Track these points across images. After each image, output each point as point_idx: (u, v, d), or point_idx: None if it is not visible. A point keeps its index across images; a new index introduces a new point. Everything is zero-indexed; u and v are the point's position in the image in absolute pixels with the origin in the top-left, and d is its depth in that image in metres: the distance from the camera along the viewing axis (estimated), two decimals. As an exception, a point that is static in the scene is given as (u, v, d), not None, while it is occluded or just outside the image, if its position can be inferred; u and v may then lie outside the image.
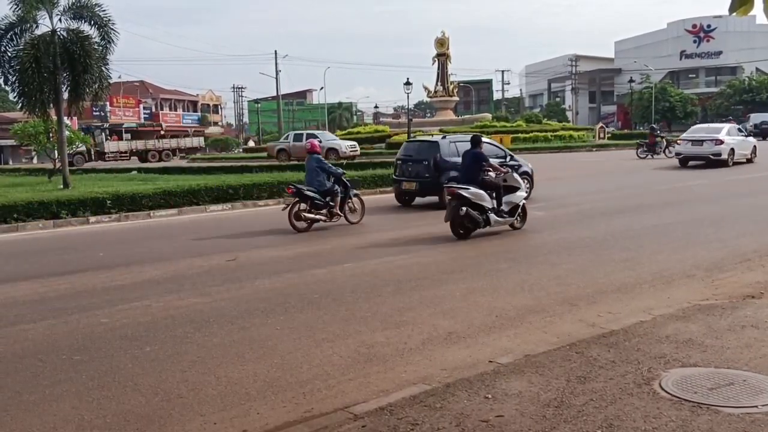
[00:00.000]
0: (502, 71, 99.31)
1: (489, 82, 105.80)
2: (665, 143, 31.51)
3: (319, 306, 6.82)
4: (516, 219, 11.29)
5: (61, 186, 20.41)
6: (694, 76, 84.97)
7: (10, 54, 19.38)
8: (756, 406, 3.89)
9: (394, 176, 16.74)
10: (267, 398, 4.50)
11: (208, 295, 7.50)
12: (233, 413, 4.28)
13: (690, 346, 5.00)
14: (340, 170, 13.15)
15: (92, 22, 19.79)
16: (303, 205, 12.27)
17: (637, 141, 34.46)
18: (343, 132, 59.29)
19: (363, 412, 4.05)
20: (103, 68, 20.41)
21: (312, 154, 13.01)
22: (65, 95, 20.37)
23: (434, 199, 15.10)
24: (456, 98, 57.00)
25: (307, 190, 12.34)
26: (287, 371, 4.99)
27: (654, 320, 5.72)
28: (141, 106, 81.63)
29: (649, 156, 30.36)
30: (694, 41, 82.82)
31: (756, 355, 4.76)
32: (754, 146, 26.62)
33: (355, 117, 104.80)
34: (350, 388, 4.61)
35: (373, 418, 3.95)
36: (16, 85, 19.55)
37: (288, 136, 39.85)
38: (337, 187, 12.68)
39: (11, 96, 20.97)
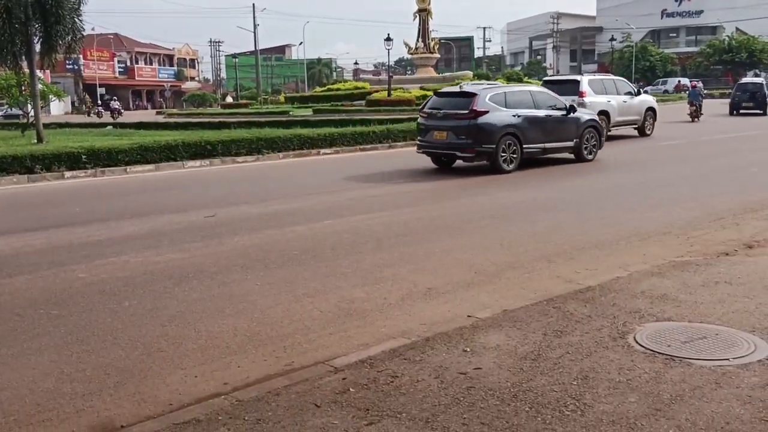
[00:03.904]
0: (484, 28, 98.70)
1: (470, 39, 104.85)
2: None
3: (299, 262, 6.83)
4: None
5: (35, 140, 20.06)
6: (674, 35, 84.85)
7: (-22, 4, 18.79)
8: (728, 359, 3.98)
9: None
10: (247, 352, 4.53)
11: (186, 251, 7.47)
12: (214, 366, 4.30)
13: (664, 302, 5.09)
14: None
15: (64, -29, 19.21)
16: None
17: None
18: (323, 89, 58.60)
19: (343, 365, 4.09)
20: (76, 19, 19.91)
21: (695, 87, 28.23)
22: (38, 47, 19.87)
23: None
24: (437, 55, 56.33)
25: (698, 105, 26.59)
26: (267, 326, 5.01)
27: (630, 276, 5.80)
28: (115, 59, 79.89)
29: None
30: (676, 0, 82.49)
31: (729, 310, 4.86)
32: None
33: (334, 73, 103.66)
34: (331, 342, 4.65)
35: (354, 371, 3.99)
36: (-14, 36, 19.00)
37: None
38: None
39: (-19, 48, 20.41)
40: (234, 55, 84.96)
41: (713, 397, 3.51)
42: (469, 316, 4.94)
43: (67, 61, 52.59)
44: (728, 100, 34.22)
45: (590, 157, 15.08)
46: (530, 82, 56.74)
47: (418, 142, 14.65)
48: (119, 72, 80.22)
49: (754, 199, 9.84)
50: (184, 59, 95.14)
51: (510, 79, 57.81)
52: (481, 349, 4.26)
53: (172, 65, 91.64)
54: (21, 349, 4.64)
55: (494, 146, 13.17)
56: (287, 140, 18.27)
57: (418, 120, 14.98)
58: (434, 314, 5.14)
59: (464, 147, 13.39)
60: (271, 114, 35.96)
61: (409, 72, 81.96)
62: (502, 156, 13.31)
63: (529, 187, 11.83)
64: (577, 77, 20.53)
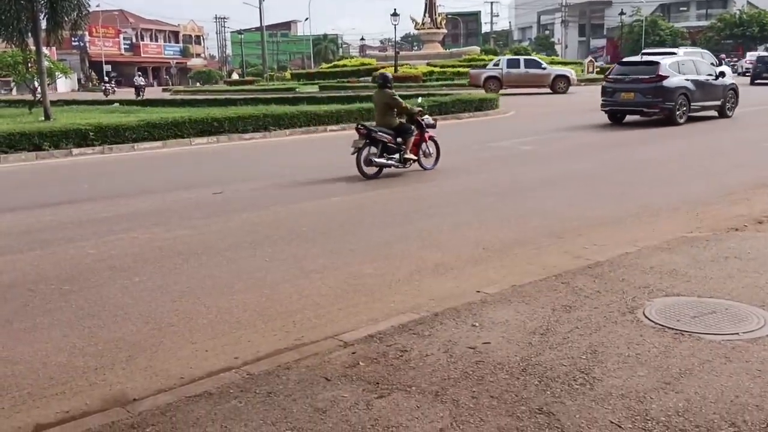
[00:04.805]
0: (491, 3, 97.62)
1: (477, 14, 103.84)
2: None
3: (307, 238, 6.84)
4: None
5: (42, 118, 20.05)
6: (685, 9, 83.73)
7: (-17, -20, 18.69)
8: (737, 333, 3.98)
9: None
10: (257, 327, 4.55)
11: (195, 227, 7.49)
12: (224, 341, 4.33)
13: (674, 277, 5.08)
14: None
15: (68, -54, 19.07)
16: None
17: None
18: (329, 65, 58.29)
19: (353, 339, 4.11)
20: (81, -5, 19.80)
21: (723, 60, 26.83)
22: (43, 24, 19.78)
23: None
24: (444, 30, 55.94)
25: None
26: (276, 301, 5.03)
27: (639, 252, 5.78)
28: (121, 36, 79.53)
29: None
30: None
31: (738, 285, 4.85)
32: None
33: (340, 50, 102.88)
34: (339, 317, 4.67)
35: (363, 346, 4.01)
36: (-8, 13, 18.94)
37: (499, 61, 34.66)
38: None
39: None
40: (239, 32, 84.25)
41: (723, 371, 3.51)
42: (477, 291, 4.94)
43: (73, 38, 52.21)
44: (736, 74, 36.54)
45: (730, 114, 18.12)
46: (541, 58, 56.34)
47: (602, 101, 17.44)
48: (125, 49, 79.89)
49: (766, 174, 9.77)
50: (190, 36, 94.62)
51: (518, 54, 57.32)
52: (490, 324, 4.27)
53: (177, 42, 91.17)
54: (33, 324, 4.69)
55: (673, 104, 16.31)
56: (294, 117, 18.20)
57: (603, 84, 18.05)
58: (443, 290, 5.15)
59: (650, 104, 16.43)
60: (278, 91, 35.87)
61: (416, 48, 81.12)
62: (677, 112, 16.31)
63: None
64: (675, 50, 23.70)
